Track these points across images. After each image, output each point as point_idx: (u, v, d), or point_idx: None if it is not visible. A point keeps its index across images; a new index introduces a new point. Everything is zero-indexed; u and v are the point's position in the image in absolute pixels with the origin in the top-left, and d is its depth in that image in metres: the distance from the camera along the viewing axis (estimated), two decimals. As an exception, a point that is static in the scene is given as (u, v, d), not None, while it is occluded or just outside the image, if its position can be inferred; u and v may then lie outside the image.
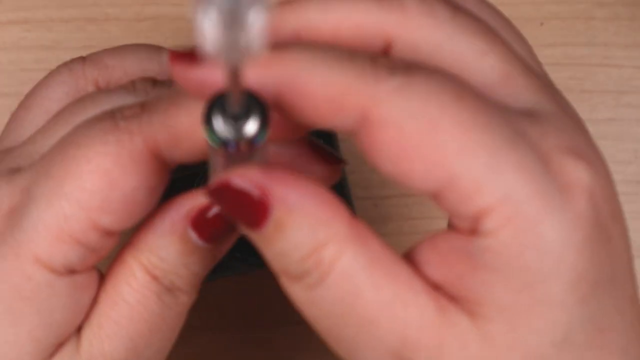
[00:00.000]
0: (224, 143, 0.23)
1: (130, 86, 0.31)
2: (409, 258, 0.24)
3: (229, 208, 0.24)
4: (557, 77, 0.28)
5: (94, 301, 0.28)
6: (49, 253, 0.26)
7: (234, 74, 0.21)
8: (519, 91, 0.24)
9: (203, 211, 0.28)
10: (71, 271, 0.27)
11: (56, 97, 0.32)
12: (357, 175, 0.41)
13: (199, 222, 0.28)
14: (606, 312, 0.23)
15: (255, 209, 0.23)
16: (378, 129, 0.23)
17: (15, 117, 0.32)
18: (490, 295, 0.23)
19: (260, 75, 0.23)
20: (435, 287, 0.24)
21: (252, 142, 0.23)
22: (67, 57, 0.41)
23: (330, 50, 0.24)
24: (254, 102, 0.23)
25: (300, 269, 0.23)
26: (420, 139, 0.22)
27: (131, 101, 0.29)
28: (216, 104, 0.23)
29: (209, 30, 0.17)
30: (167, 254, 0.28)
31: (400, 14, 0.25)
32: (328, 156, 0.28)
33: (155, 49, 0.34)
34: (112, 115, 0.27)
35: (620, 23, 0.43)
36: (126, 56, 0.33)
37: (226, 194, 0.23)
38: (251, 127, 0.23)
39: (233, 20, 0.17)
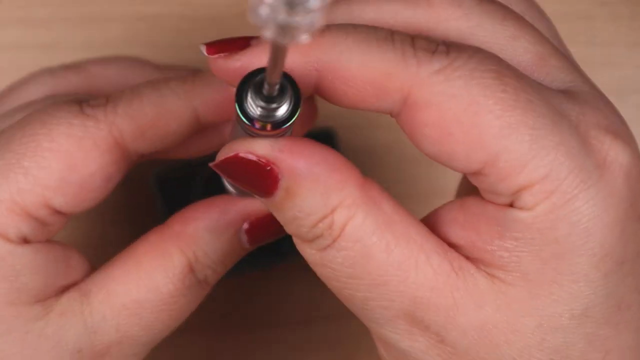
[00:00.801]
0: (252, 121, 0.23)
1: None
2: (435, 214, 0.25)
3: (238, 179, 0.24)
4: (558, 76, 0.28)
5: (113, 275, 0.29)
6: (2, 223, 0.27)
7: (279, 55, 0.20)
8: (554, 72, 0.25)
9: (262, 219, 0.29)
10: (25, 241, 0.27)
11: (33, 95, 0.32)
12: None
13: (254, 228, 0.29)
14: (627, 290, 0.24)
15: (264, 179, 0.23)
16: (421, 111, 0.23)
17: None
18: (517, 263, 0.23)
19: (300, 58, 0.24)
20: (455, 247, 0.24)
21: (280, 124, 0.23)
22: (67, 56, 0.41)
23: (370, 32, 0.24)
24: (288, 86, 0.23)
25: (312, 232, 0.24)
26: (463, 119, 0.23)
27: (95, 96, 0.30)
28: (251, 82, 0.23)
29: (265, 10, 0.17)
30: (214, 250, 0.29)
31: (428, 9, 0.25)
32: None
33: (138, 61, 0.35)
34: (79, 102, 0.28)
35: (622, 22, 0.43)
36: (109, 66, 0.34)
37: (233, 167, 0.24)
38: (282, 110, 0.23)
39: (292, 4, 0.17)
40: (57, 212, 0.28)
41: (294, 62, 0.23)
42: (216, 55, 0.24)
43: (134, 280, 0.29)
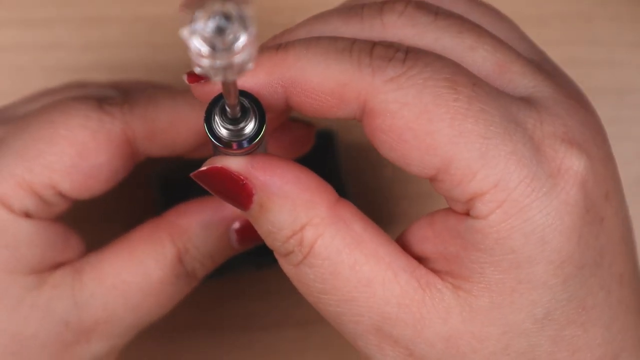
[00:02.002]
0: (220, 141, 0.24)
1: (113, 84, 0.34)
2: (409, 232, 0.26)
3: (216, 191, 0.25)
4: (558, 76, 0.28)
5: (107, 257, 0.30)
6: (8, 195, 0.29)
7: (226, 87, 0.23)
8: (516, 78, 0.25)
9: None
10: (27, 215, 0.30)
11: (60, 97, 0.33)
12: (359, 178, 0.41)
13: (244, 228, 0.31)
14: (590, 291, 0.24)
15: (239, 192, 0.25)
16: (376, 118, 0.24)
17: (15, 101, 0.34)
18: (479, 273, 0.24)
19: (266, 77, 0.25)
20: (427, 261, 0.25)
21: (248, 142, 0.24)
22: (67, 57, 0.41)
23: (330, 44, 0.25)
24: (252, 105, 0.24)
25: (285, 247, 0.25)
26: (415, 127, 0.24)
27: (114, 93, 0.32)
28: (217, 105, 0.24)
29: (195, 54, 0.19)
30: (204, 244, 0.31)
31: (382, 31, 0.26)
32: (302, 121, 0.31)
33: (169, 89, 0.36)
34: (98, 98, 0.30)
35: (622, 22, 0.43)
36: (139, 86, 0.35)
37: (211, 178, 0.25)
38: (249, 129, 0.24)
39: (216, 46, 0.19)
40: (62, 195, 0.30)
41: (260, 81, 0.25)
42: (196, 82, 0.25)
43: (126, 263, 0.30)
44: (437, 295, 0.24)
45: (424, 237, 0.26)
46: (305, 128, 0.31)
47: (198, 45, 0.19)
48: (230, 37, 0.19)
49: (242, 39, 0.19)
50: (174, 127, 0.30)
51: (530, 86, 0.25)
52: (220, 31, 0.18)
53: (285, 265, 0.26)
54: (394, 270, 0.25)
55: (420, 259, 0.26)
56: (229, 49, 0.19)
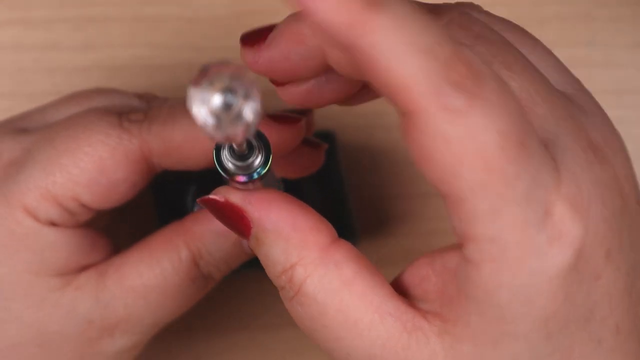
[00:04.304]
0: (228, 174, 0.26)
1: (137, 94, 0.35)
2: (410, 273, 0.27)
3: (220, 218, 0.27)
4: (558, 76, 0.28)
5: (128, 261, 0.32)
6: (33, 206, 0.31)
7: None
8: (539, 122, 0.25)
9: None
10: (52, 224, 0.31)
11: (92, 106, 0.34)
12: (359, 178, 0.41)
13: None
14: (578, 343, 0.25)
15: (238, 222, 0.26)
16: (420, 133, 0.22)
17: (43, 105, 0.35)
18: (467, 320, 0.24)
19: (345, 29, 0.21)
20: (422, 302, 0.26)
21: (256, 175, 0.26)
22: (67, 57, 0.41)
23: (422, 35, 0.22)
24: (259, 142, 0.26)
25: (278, 282, 0.26)
26: (446, 160, 0.22)
27: (137, 103, 0.34)
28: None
29: (201, 124, 0.20)
30: (217, 250, 0.32)
31: None
32: (312, 142, 0.32)
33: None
34: (119, 115, 0.31)
35: (622, 23, 0.43)
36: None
37: (215, 206, 0.27)
38: (255, 164, 0.26)
39: (222, 119, 0.20)
40: (85, 206, 0.31)
41: (334, 25, 0.21)
42: (246, 47, 0.27)
43: (145, 266, 0.32)
44: (423, 339, 0.25)
45: (425, 278, 0.26)
46: (314, 147, 0.32)
47: (205, 116, 0.20)
48: (236, 111, 0.20)
49: (246, 113, 0.20)
50: (188, 145, 0.31)
51: (553, 132, 0.25)
52: (226, 107, 0.20)
53: (281, 296, 0.27)
54: (380, 313, 0.25)
55: (417, 299, 0.26)
56: (233, 121, 0.20)
